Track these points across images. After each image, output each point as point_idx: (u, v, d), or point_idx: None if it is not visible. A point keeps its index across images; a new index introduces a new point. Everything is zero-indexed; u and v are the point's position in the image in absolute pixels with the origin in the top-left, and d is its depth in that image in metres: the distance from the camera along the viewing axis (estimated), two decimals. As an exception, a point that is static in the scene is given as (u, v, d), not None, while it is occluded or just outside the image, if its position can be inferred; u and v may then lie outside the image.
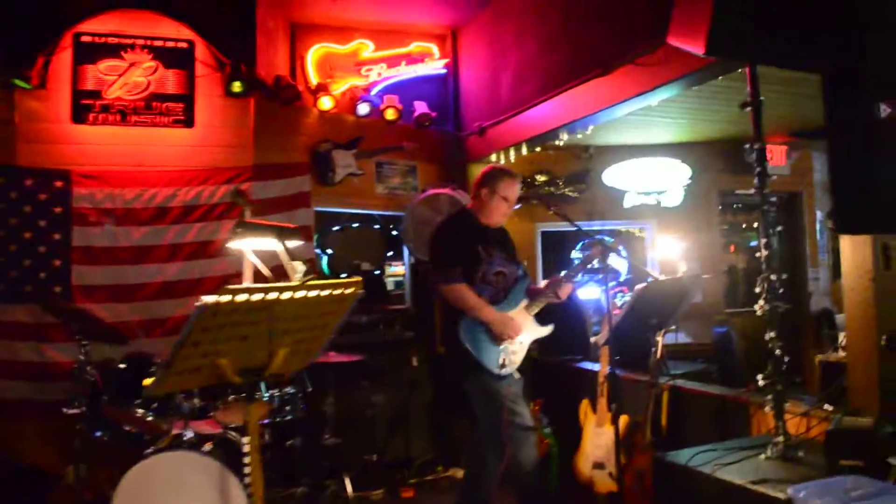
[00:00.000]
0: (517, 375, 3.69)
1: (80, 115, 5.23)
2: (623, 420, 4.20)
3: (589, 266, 3.70)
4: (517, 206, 3.78)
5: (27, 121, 5.13)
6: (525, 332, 3.70)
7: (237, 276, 5.29)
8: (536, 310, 3.75)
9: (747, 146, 3.11)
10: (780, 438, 2.91)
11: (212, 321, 1.89)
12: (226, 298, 1.85)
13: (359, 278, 2.26)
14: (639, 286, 3.29)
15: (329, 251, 6.26)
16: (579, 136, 5.69)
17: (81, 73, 5.26)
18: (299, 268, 1.99)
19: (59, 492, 4.16)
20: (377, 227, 6.51)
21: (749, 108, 3.06)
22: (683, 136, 7.05)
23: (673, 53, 3.90)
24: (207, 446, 3.61)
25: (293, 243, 2.13)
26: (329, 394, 4.54)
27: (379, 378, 5.28)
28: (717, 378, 5.30)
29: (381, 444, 5.25)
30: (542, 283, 3.86)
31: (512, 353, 3.63)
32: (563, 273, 3.82)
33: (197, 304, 1.81)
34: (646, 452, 3.88)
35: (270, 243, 2.03)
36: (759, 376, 2.99)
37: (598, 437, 4.30)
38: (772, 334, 2.96)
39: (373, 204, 6.45)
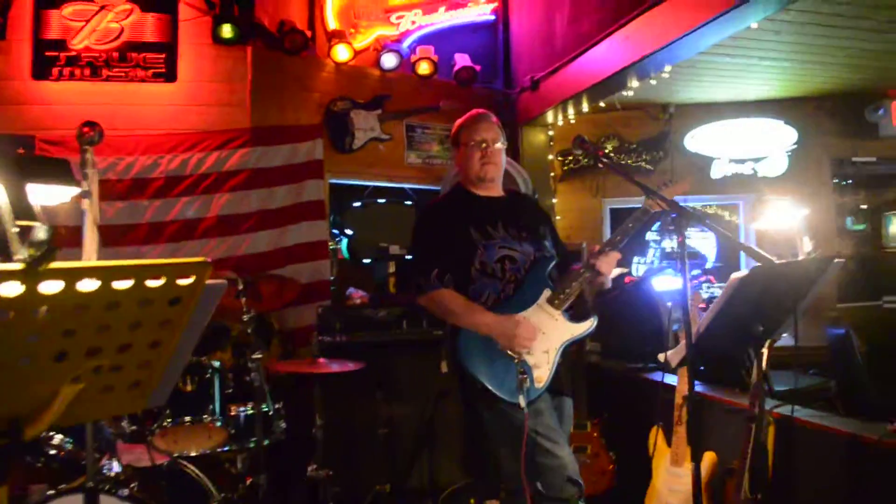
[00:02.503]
0: (547, 399, 2.54)
1: (42, 69, 4.39)
2: (708, 459, 3.11)
3: (643, 232, 2.57)
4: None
5: (-16, 78, 4.33)
6: (548, 334, 2.53)
7: (225, 261, 4.38)
8: (569, 300, 2.56)
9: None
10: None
11: None
12: None
13: (201, 258, 1.23)
14: (737, 274, 2.08)
15: (349, 232, 5.27)
16: (653, 81, 4.48)
17: (44, 19, 4.41)
18: (40, 234, 0.96)
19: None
20: (409, 203, 5.47)
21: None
22: (787, 90, 5.71)
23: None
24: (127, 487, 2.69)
25: (52, 192, 1.09)
26: (316, 413, 3.55)
27: (397, 388, 4.24)
28: (837, 396, 4.05)
29: (398, 469, 4.22)
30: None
31: (534, 369, 2.50)
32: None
33: None
34: (742, 514, 2.72)
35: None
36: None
37: (674, 480, 3.26)
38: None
39: (403, 175, 5.43)
